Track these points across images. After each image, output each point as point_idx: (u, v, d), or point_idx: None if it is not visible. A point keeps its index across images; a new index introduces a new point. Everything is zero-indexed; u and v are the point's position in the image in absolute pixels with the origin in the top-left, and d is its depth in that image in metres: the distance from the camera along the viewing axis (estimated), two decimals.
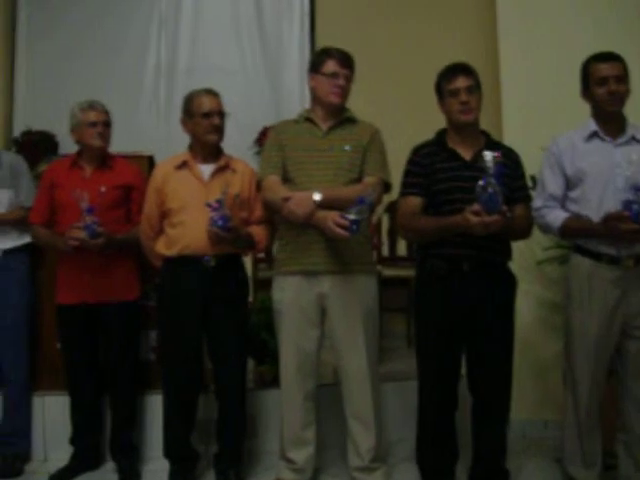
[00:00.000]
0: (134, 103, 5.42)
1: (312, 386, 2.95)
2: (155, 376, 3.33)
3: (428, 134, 2.98)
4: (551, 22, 3.94)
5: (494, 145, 2.85)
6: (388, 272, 4.27)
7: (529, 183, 3.08)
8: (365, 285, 2.93)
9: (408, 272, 3.96)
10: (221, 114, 3.05)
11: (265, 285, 3.15)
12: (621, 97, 2.81)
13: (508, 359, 2.89)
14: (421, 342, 2.95)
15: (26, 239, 3.36)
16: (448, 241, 2.76)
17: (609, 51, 2.85)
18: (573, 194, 2.87)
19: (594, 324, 2.81)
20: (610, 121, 2.84)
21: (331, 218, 2.66)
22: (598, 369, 2.86)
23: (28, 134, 5.14)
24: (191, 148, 3.11)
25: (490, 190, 2.49)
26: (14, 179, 3.38)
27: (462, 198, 2.67)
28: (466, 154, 2.84)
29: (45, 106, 5.18)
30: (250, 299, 3.49)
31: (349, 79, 2.94)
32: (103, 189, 3.10)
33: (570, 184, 2.88)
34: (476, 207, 2.52)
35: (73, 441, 3.30)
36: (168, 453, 3.14)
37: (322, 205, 2.73)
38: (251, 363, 3.45)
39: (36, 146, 4.97)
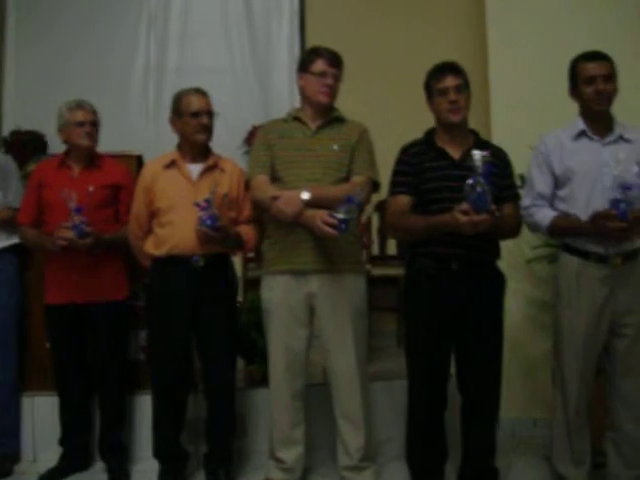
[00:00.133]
0: (123, 103, 5.38)
1: (301, 385, 2.95)
2: (144, 376, 3.33)
3: (417, 133, 2.98)
4: (539, 22, 3.96)
5: (483, 144, 2.85)
6: (378, 271, 4.26)
7: (518, 182, 3.10)
8: (354, 284, 2.93)
9: (398, 271, 3.96)
10: (210, 113, 3.05)
11: (255, 284, 3.15)
12: (609, 96, 2.82)
13: (497, 358, 2.90)
14: (410, 341, 2.95)
15: (14, 240, 3.35)
16: (437, 240, 2.76)
17: (597, 50, 2.86)
18: (561, 193, 2.88)
19: (582, 322, 2.82)
20: (598, 120, 2.85)
21: (320, 217, 2.65)
22: (587, 367, 2.87)
23: (17, 134, 5.10)
24: (180, 147, 3.11)
25: (479, 189, 2.49)
26: (2, 180, 3.37)
27: (451, 197, 2.68)
28: (455, 153, 2.84)
29: (34, 106, 5.15)
30: (240, 299, 3.50)
31: (338, 78, 2.94)
32: (91, 189, 3.09)
33: (558, 183, 2.88)
34: (465, 206, 2.52)
35: (62, 441, 3.29)
36: (157, 453, 3.13)
37: (311, 204, 2.73)
38: (241, 362, 3.44)
39: (25, 146, 4.94)
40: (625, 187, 2.58)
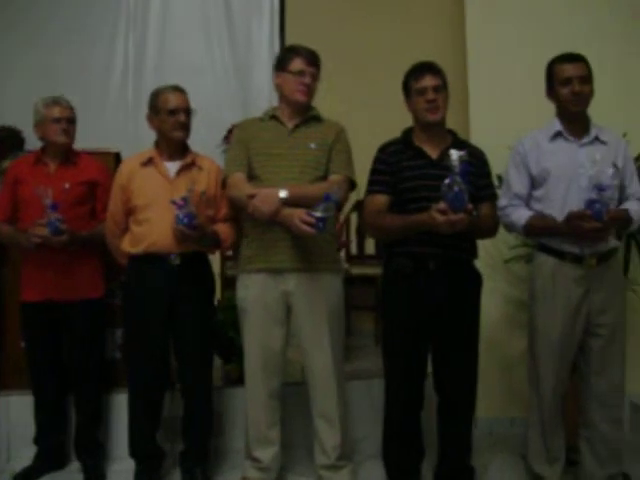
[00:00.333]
0: (102, 100, 5.35)
1: (277, 384, 2.95)
2: (121, 374, 3.31)
3: (395, 133, 2.99)
4: (519, 22, 3.99)
5: (461, 144, 2.86)
6: (356, 270, 4.27)
7: (495, 182, 3.11)
8: (331, 283, 2.92)
9: (376, 270, 3.97)
10: (187, 111, 3.03)
11: (233, 283, 3.14)
12: (585, 97, 2.84)
13: (473, 358, 2.91)
14: (387, 340, 2.96)
15: None
16: (414, 239, 2.76)
17: (573, 52, 2.88)
18: (537, 193, 2.90)
19: (558, 323, 2.83)
20: (574, 121, 2.87)
21: (297, 215, 2.64)
22: (562, 367, 2.89)
23: None
24: (157, 145, 3.09)
25: (456, 189, 2.49)
26: None
27: (428, 196, 2.68)
28: (432, 152, 2.85)
29: (11, 102, 5.10)
30: (218, 297, 3.49)
31: (315, 77, 2.93)
32: (67, 185, 3.07)
33: (535, 183, 2.90)
34: (442, 205, 2.52)
35: (37, 441, 3.26)
36: (133, 452, 3.12)
37: (288, 203, 2.72)
38: (218, 361, 3.43)
39: (2, 142, 4.89)
40: (600, 188, 2.61)
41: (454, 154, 2.49)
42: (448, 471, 2.95)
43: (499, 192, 3.03)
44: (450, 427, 2.94)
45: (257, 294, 2.88)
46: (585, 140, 2.86)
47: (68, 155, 3.18)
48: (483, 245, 3.11)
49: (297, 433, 3.26)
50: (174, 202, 2.82)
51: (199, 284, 3.06)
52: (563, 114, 2.89)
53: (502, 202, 2.96)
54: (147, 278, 2.99)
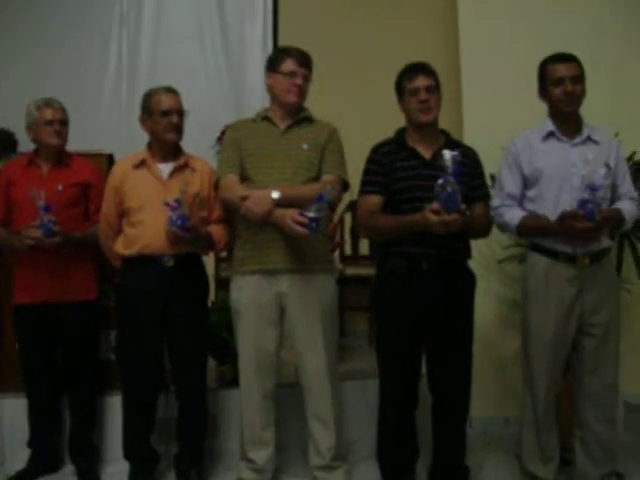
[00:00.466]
0: (96, 102, 5.33)
1: (271, 386, 2.95)
2: (115, 376, 3.29)
3: (388, 133, 2.99)
4: (512, 22, 4.00)
5: (453, 144, 2.86)
6: (350, 271, 4.28)
7: (489, 182, 3.11)
8: (324, 284, 2.92)
9: (370, 271, 3.97)
10: (180, 112, 3.02)
11: (227, 284, 3.13)
12: (578, 97, 2.84)
13: (467, 358, 2.92)
14: (381, 341, 2.96)
15: None
16: (408, 240, 2.76)
17: (565, 52, 2.88)
18: (530, 193, 2.90)
19: (551, 322, 2.84)
20: (567, 121, 2.88)
21: (290, 216, 2.64)
22: (555, 367, 2.89)
23: None
24: (150, 147, 3.08)
25: (449, 189, 2.49)
26: None
27: (422, 197, 2.68)
28: (426, 153, 2.85)
29: (4, 104, 5.09)
30: (212, 298, 3.48)
31: (307, 78, 2.93)
32: (60, 187, 3.07)
33: (528, 183, 2.91)
34: (435, 206, 2.53)
35: (31, 443, 3.25)
36: (128, 454, 3.11)
37: (280, 203, 2.72)
38: (212, 363, 3.43)
39: None
40: (593, 188, 2.61)
41: (447, 154, 2.49)
42: (442, 471, 2.95)
43: (492, 192, 3.04)
44: (444, 427, 2.94)
45: (250, 295, 2.88)
46: (577, 140, 2.86)
47: (61, 157, 3.18)
48: (477, 245, 3.12)
49: (291, 434, 3.26)
50: (167, 204, 2.82)
51: (193, 286, 3.06)
52: (555, 114, 2.90)
53: (495, 202, 2.97)
54: (141, 280, 2.99)
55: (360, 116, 4.65)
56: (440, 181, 2.50)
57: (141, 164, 3.04)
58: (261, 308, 2.87)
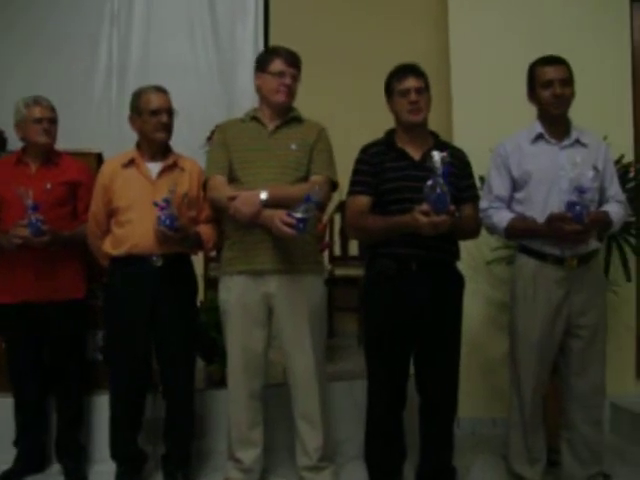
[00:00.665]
0: (86, 101, 5.30)
1: (259, 386, 2.94)
2: (102, 376, 3.29)
3: (378, 134, 2.99)
4: (502, 24, 4.00)
5: (442, 145, 2.87)
6: (339, 271, 4.28)
7: (478, 184, 3.12)
8: (312, 285, 2.92)
9: (359, 271, 3.97)
10: (169, 112, 3.02)
11: (216, 284, 3.13)
12: (566, 100, 2.86)
13: (455, 359, 2.92)
14: (370, 341, 2.96)
15: None
16: (397, 241, 2.76)
17: (554, 55, 2.90)
18: (519, 195, 2.91)
19: (538, 324, 2.85)
20: (555, 124, 2.89)
21: (278, 217, 2.64)
22: (542, 368, 2.90)
23: None
24: (139, 146, 3.07)
25: (438, 190, 2.49)
26: None
27: (411, 198, 2.68)
28: (415, 154, 2.86)
29: None
30: (201, 298, 3.48)
31: (296, 78, 2.93)
32: (48, 186, 3.06)
33: (516, 185, 2.92)
34: (425, 207, 2.53)
35: (17, 443, 3.23)
36: (115, 454, 3.10)
37: (269, 204, 2.72)
38: (200, 363, 3.42)
39: None
40: (581, 190, 2.62)
41: (436, 155, 2.49)
42: (430, 472, 2.95)
43: (481, 194, 3.04)
44: (432, 427, 2.94)
45: (238, 296, 2.88)
46: (566, 143, 2.87)
47: (49, 155, 3.16)
48: (465, 247, 3.12)
49: (279, 434, 3.26)
50: (156, 204, 2.81)
51: (181, 285, 3.05)
52: (544, 116, 2.91)
53: (483, 204, 2.97)
54: (129, 279, 2.98)
55: (350, 116, 4.64)
56: (429, 182, 2.50)
57: (130, 163, 3.03)
58: (248, 308, 2.87)
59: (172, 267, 2.98)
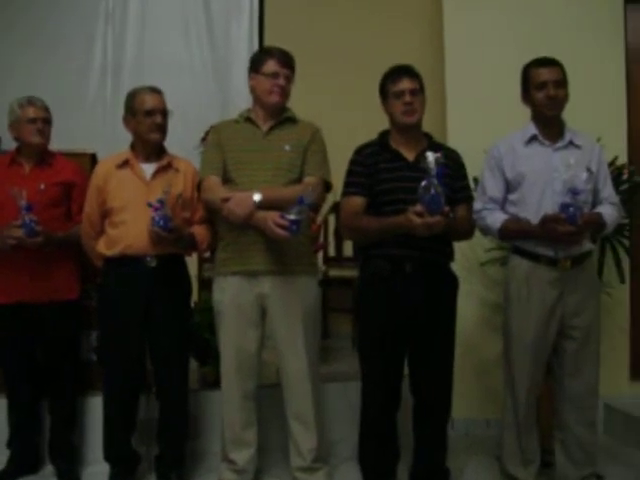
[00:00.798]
0: (80, 101, 5.29)
1: (252, 386, 2.94)
2: (96, 377, 3.28)
3: (374, 134, 2.99)
4: (497, 25, 4.01)
5: (437, 146, 2.87)
6: (334, 272, 4.28)
7: (472, 185, 3.12)
8: (306, 286, 2.92)
9: (354, 272, 3.94)
10: (164, 112, 3.01)
11: (210, 285, 3.13)
12: (560, 101, 2.87)
13: (449, 360, 2.92)
14: (364, 342, 2.96)
15: None
16: (391, 241, 2.76)
17: (548, 56, 2.90)
18: (512, 197, 2.92)
19: (532, 325, 2.85)
20: (549, 125, 2.90)
21: (271, 218, 2.65)
22: (536, 370, 2.91)
23: None
24: (133, 147, 3.07)
25: (432, 191, 2.49)
26: None
27: (405, 198, 2.68)
28: (409, 155, 2.86)
29: None
30: (195, 299, 3.47)
31: (290, 79, 2.93)
32: (42, 186, 3.05)
33: (510, 187, 2.92)
34: (419, 208, 2.53)
35: (10, 444, 3.22)
36: (108, 455, 3.09)
37: (262, 206, 2.72)
38: (194, 364, 3.42)
39: None
40: (574, 192, 2.63)
41: (430, 156, 2.49)
42: (423, 473, 2.96)
43: (475, 195, 3.05)
44: (426, 428, 2.94)
45: (232, 297, 2.87)
46: (559, 144, 2.88)
47: (43, 156, 3.15)
48: (459, 248, 3.13)
49: (273, 435, 3.25)
50: (150, 204, 2.81)
51: (175, 286, 3.05)
52: (538, 118, 2.92)
53: (477, 205, 2.98)
54: (123, 280, 2.97)
55: (345, 116, 4.63)
56: (423, 183, 2.50)
57: (124, 164, 3.02)
58: (242, 309, 2.87)
59: (166, 268, 2.98)
